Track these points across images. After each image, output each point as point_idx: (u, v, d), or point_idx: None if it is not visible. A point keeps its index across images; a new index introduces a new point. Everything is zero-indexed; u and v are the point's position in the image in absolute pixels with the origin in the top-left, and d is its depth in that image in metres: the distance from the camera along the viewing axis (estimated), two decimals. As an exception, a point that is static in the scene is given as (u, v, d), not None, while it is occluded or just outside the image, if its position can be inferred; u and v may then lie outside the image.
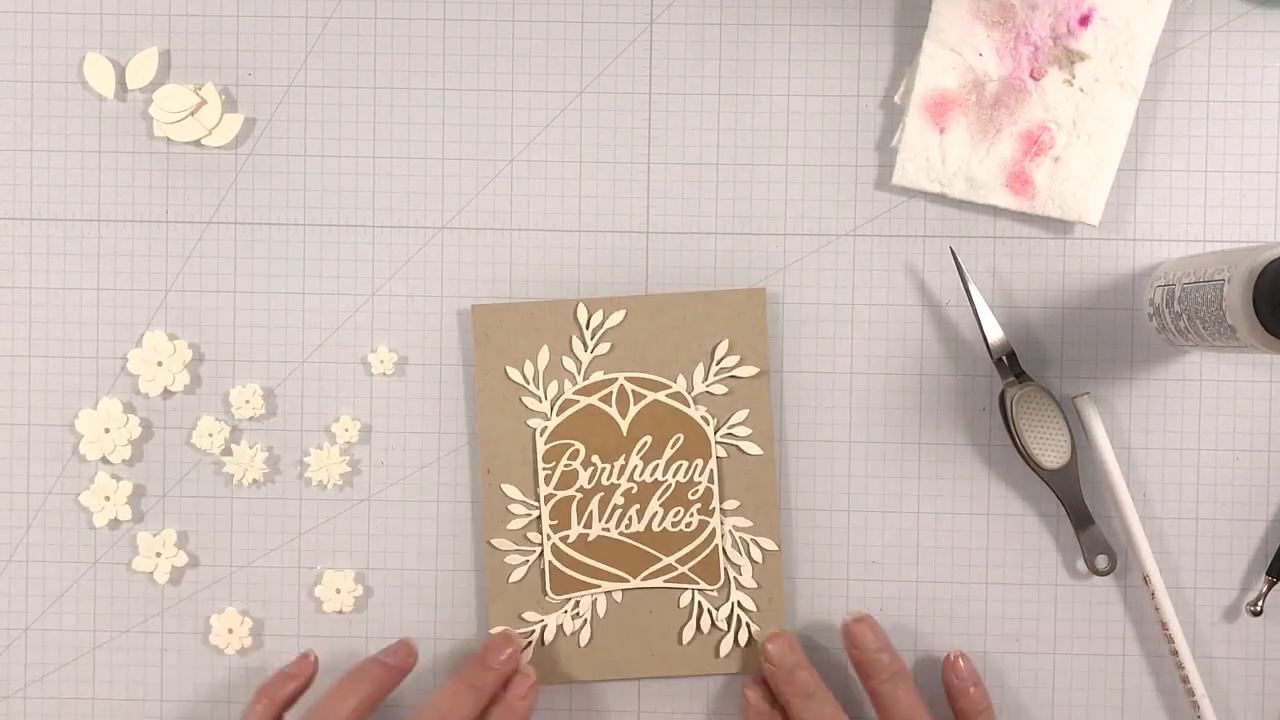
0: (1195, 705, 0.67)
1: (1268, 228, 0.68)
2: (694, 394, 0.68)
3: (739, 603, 0.68)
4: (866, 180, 0.69)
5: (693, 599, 0.68)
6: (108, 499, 0.69)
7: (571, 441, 0.68)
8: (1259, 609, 0.68)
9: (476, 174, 0.69)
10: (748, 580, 0.68)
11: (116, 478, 0.69)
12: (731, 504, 0.68)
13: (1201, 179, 0.68)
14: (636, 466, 0.68)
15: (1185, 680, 0.67)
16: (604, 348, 0.68)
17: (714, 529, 0.68)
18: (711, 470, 0.68)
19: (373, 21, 0.69)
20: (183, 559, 0.70)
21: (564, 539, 0.68)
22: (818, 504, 0.69)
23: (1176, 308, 0.63)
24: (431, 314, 0.69)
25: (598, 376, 0.68)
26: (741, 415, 0.68)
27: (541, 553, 0.68)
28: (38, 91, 0.69)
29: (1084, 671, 0.69)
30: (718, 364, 0.68)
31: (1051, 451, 0.66)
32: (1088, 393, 0.68)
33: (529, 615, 0.68)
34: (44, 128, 0.69)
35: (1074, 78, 0.66)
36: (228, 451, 0.69)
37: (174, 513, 0.70)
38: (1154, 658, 0.69)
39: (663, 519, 0.68)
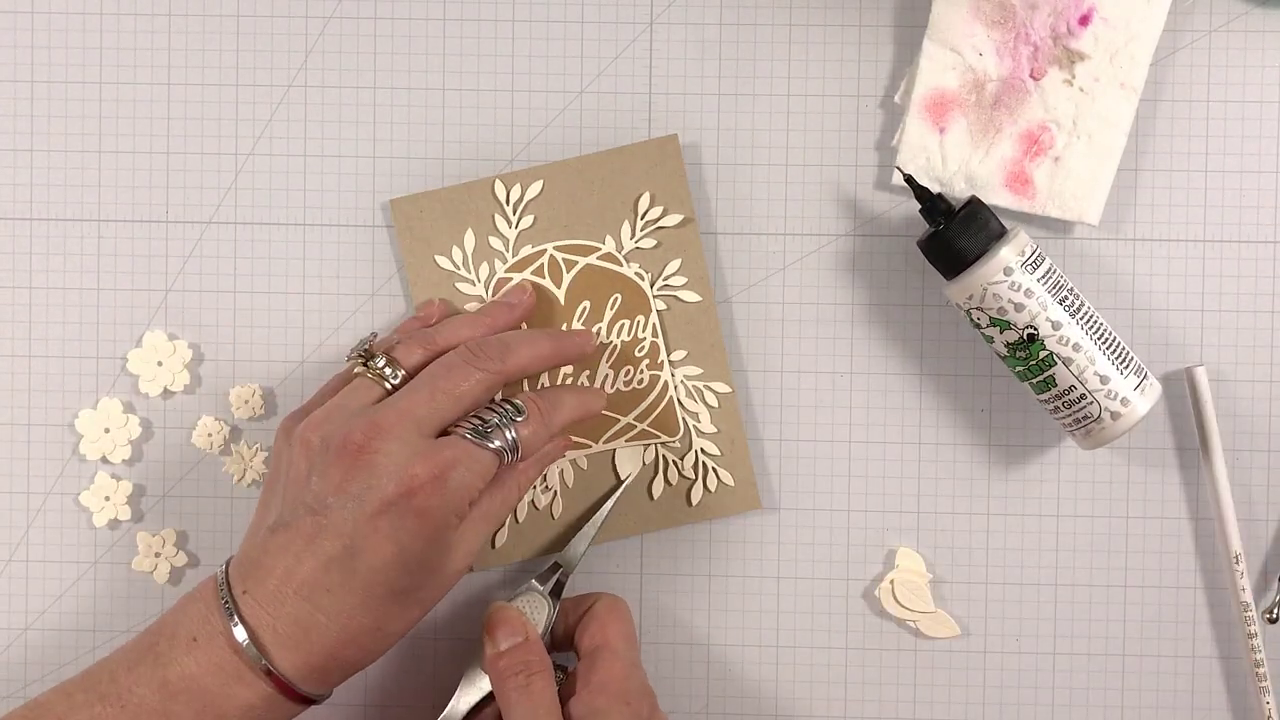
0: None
1: (1268, 228, 0.68)
2: (624, 252, 0.68)
3: (702, 449, 0.68)
4: (866, 180, 0.69)
5: (657, 453, 0.68)
6: (108, 499, 0.69)
7: None
8: (1275, 616, 0.67)
9: (476, 174, 0.69)
10: (707, 426, 0.68)
11: (116, 478, 0.69)
12: (679, 354, 0.68)
13: (1201, 179, 0.68)
14: None
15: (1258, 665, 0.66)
16: (528, 221, 0.68)
17: (665, 382, 0.68)
18: (654, 324, 0.68)
19: (373, 21, 0.69)
20: (183, 559, 0.70)
21: None
22: (817, 504, 0.69)
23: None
24: (431, 314, 0.69)
25: (526, 251, 0.68)
26: (675, 265, 0.68)
27: None
28: (38, 91, 0.69)
29: (1082, 671, 0.69)
30: (642, 218, 0.68)
31: None
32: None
33: None
34: (44, 128, 0.69)
35: (1074, 78, 0.66)
36: (227, 451, 0.69)
37: (174, 512, 0.70)
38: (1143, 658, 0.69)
39: (614, 380, 0.68)
